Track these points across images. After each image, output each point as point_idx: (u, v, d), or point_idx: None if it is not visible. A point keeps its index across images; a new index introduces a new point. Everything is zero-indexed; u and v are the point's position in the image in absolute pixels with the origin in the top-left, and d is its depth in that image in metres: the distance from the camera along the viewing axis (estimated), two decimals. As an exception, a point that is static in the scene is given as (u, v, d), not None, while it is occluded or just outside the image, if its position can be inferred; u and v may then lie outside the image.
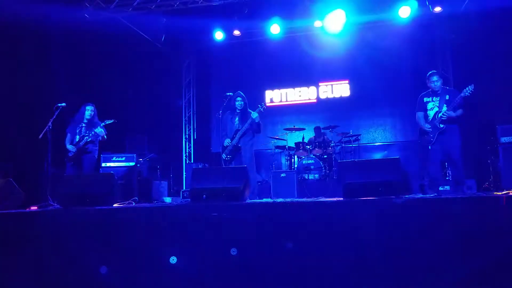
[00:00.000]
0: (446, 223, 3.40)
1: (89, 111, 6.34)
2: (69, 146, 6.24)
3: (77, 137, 6.26)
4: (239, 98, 6.21)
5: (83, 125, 6.32)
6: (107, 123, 6.33)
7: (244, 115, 6.19)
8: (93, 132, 6.17)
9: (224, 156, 6.18)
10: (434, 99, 5.60)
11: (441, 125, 5.45)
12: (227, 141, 6.19)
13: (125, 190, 7.29)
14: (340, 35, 9.59)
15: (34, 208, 5.07)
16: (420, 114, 5.69)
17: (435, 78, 5.56)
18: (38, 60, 7.54)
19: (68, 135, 6.33)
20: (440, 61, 9.84)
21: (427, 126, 5.55)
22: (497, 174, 6.74)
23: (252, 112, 6.08)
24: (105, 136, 6.33)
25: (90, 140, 6.20)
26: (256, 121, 6.10)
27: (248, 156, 6.14)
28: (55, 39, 7.56)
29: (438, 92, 5.58)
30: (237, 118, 6.22)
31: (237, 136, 6.12)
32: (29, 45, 7.31)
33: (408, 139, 9.63)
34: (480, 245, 3.28)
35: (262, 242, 3.69)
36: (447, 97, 5.51)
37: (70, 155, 6.23)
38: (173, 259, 3.73)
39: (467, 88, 5.29)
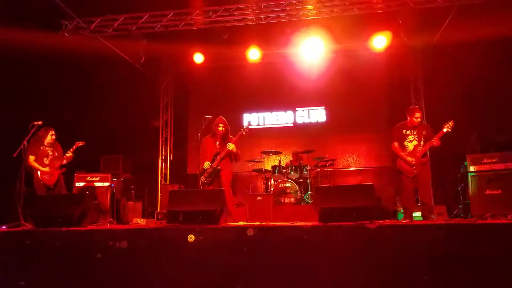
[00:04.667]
0: (418, 247, 3.50)
1: (52, 135, 6.39)
2: (44, 169, 6.25)
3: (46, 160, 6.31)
4: (221, 124, 6.24)
5: (48, 148, 6.35)
6: (79, 145, 6.38)
7: (225, 139, 6.22)
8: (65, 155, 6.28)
9: (203, 179, 6.16)
10: (413, 132, 5.84)
11: (422, 158, 5.72)
12: (207, 164, 6.18)
13: (99, 210, 7.20)
14: (317, 62, 9.89)
15: (4, 228, 4.93)
16: (397, 144, 5.89)
17: (418, 114, 5.78)
18: (13, 78, 7.43)
19: (32, 157, 6.23)
20: (412, 89, 10.19)
21: (410, 159, 5.72)
22: (466, 201, 6.96)
23: (228, 144, 6.07)
24: (71, 158, 6.39)
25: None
26: (234, 151, 6.14)
27: (227, 180, 6.15)
28: (32, 57, 7.46)
29: (417, 126, 5.83)
30: (217, 143, 6.25)
31: (217, 159, 6.14)
32: (4, 63, 7.20)
33: (382, 165, 9.84)
34: (450, 269, 3.38)
35: (237, 266, 3.69)
36: (424, 132, 5.80)
37: (46, 177, 6.27)
38: (191, 237, 3.75)
39: (448, 124, 5.57)
